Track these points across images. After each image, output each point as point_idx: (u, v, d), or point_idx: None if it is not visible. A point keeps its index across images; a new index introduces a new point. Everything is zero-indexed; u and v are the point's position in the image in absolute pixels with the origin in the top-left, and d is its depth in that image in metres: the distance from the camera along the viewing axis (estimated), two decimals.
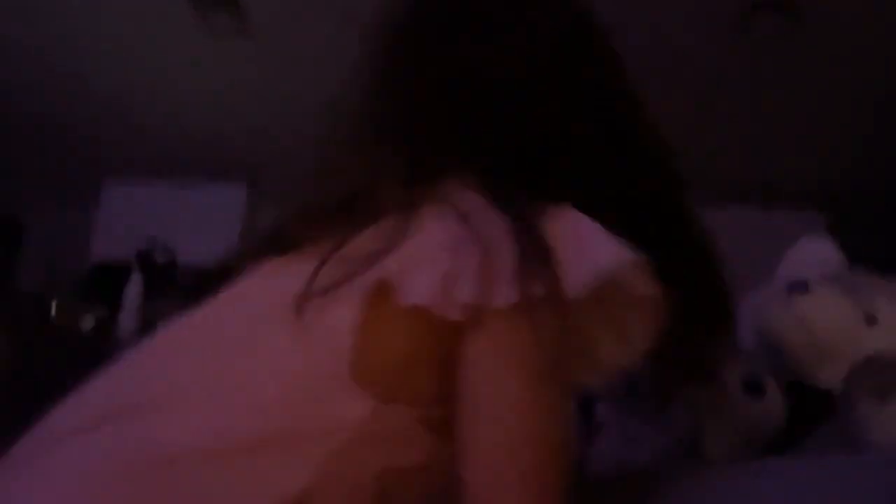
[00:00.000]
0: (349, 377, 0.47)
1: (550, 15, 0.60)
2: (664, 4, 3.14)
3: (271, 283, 0.54)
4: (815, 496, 0.62)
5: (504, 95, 0.54)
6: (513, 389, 0.47)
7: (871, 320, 1.06)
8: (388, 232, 0.49)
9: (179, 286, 3.21)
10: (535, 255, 0.47)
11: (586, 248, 0.48)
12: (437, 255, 0.48)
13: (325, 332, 0.48)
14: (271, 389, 0.47)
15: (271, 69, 3.73)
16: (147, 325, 2.66)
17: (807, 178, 4.60)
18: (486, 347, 0.47)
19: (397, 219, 0.50)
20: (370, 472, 0.46)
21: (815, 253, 1.30)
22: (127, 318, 2.85)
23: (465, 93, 0.54)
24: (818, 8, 3.06)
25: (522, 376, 0.47)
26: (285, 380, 0.48)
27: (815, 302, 1.07)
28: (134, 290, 2.93)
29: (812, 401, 1.04)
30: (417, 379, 0.49)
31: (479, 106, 0.54)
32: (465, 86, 0.54)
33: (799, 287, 1.09)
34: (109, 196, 5.00)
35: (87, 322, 2.97)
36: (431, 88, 0.55)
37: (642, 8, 3.17)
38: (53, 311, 3.70)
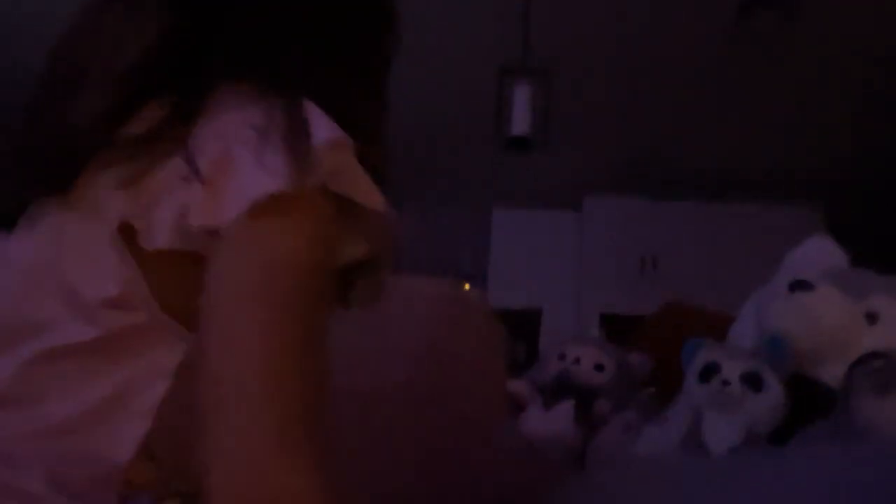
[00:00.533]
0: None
1: None
2: (661, 3, 3.14)
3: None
4: (814, 486, 0.63)
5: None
6: (254, 310, 0.47)
7: (872, 318, 1.07)
8: (133, 168, 0.51)
9: None
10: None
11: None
12: (173, 188, 0.50)
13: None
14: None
15: None
16: None
17: (804, 172, 4.60)
18: (223, 263, 0.48)
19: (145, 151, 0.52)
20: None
21: (819, 251, 1.30)
22: None
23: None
24: (813, 4, 3.06)
25: (263, 294, 0.48)
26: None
27: (817, 300, 1.08)
28: None
29: (813, 396, 1.04)
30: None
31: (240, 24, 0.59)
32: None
33: (802, 286, 1.09)
34: None
35: None
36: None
37: (639, 7, 3.17)
38: None
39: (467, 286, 5.92)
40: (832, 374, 0.99)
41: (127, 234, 0.51)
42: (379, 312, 1.16)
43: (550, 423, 1.54)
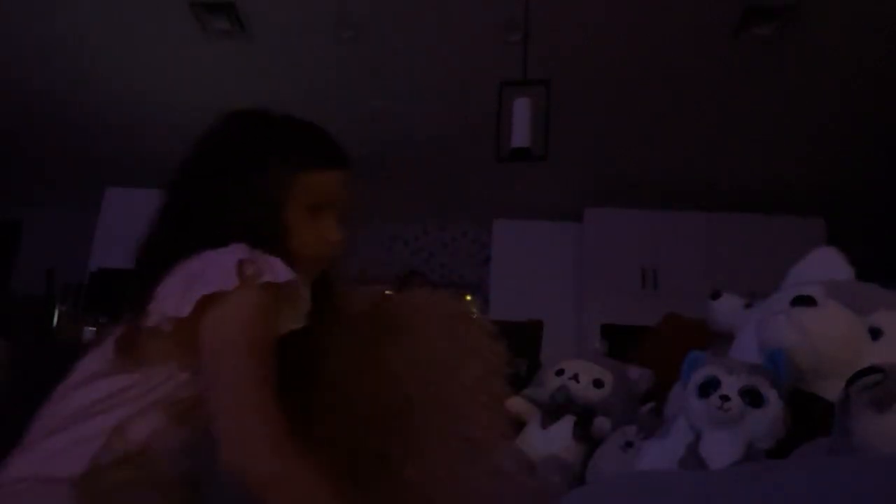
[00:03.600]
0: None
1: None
2: (661, 16, 3.15)
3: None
4: (813, 498, 0.62)
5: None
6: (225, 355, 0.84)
7: (876, 333, 1.06)
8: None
9: None
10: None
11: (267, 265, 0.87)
12: (166, 293, 0.87)
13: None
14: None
15: (272, 75, 3.75)
16: None
17: (806, 184, 4.61)
18: (203, 330, 0.84)
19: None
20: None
21: (823, 264, 1.29)
22: None
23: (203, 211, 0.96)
24: (811, 14, 3.06)
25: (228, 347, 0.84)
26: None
27: (820, 316, 1.07)
28: None
29: (813, 412, 1.03)
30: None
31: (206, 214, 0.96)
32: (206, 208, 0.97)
33: (804, 301, 1.08)
34: (110, 202, 5.04)
35: (89, 333, 2.97)
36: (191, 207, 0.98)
37: (639, 20, 3.17)
38: (55, 321, 3.70)
39: (468, 297, 5.93)
40: (835, 390, 0.97)
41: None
42: (379, 326, 1.16)
43: (549, 440, 1.52)
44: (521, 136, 2.60)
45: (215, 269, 0.82)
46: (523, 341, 3.33)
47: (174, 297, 0.83)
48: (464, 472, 1.07)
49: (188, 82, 3.90)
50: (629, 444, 1.40)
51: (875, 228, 4.87)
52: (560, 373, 1.70)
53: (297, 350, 0.93)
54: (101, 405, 0.85)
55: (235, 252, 0.84)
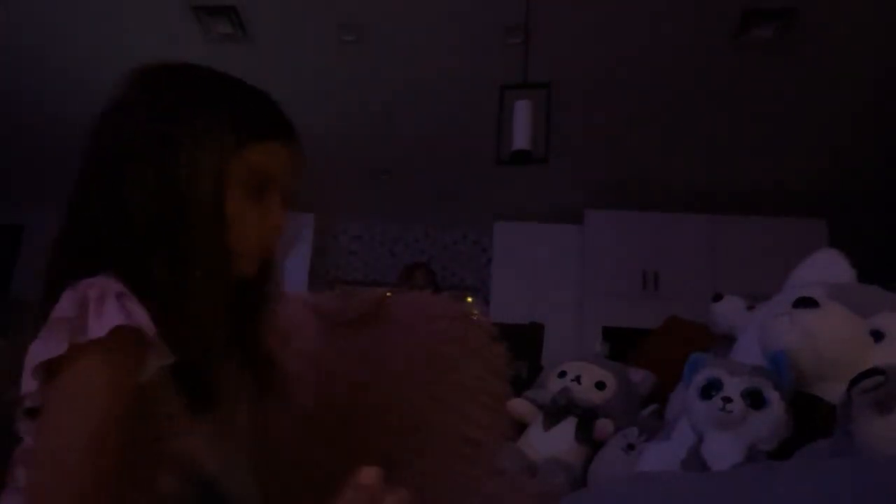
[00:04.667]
0: None
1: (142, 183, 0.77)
2: (661, 18, 3.15)
3: None
4: (815, 500, 0.62)
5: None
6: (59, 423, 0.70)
7: (878, 336, 1.06)
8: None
9: None
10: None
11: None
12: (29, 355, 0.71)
13: None
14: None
15: (271, 76, 3.75)
16: None
17: (807, 185, 4.60)
18: (50, 391, 0.70)
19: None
20: None
21: (825, 266, 1.29)
22: None
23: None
24: (812, 16, 3.06)
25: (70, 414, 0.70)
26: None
27: (822, 318, 1.07)
28: None
29: (816, 414, 1.03)
30: None
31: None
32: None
33: (806, 303, 1.08)
34: None
35: None
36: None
37: (639, 23, 3.18)
38: None
39: (470, 300, 5.91)
40: (837, 392, 0.97)
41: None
42: (381, 330, 1.16)
43: (551, 442, 1.52)
44: (521, 138, 2.60)
45: (50, 329, 0.70)
46: (524, 344, 3.33)
47: (26, 371, 0.71)
48: (464, 473, 1.07)
49: None
50: (631, 446, 1.40)
51: (877, 230, 4.86)
52: (562, 375, 1.70)
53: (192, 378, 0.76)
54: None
55: (62, 304, 0.71)
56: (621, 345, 3.20)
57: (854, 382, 0.79)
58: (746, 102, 3.79)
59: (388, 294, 1.22)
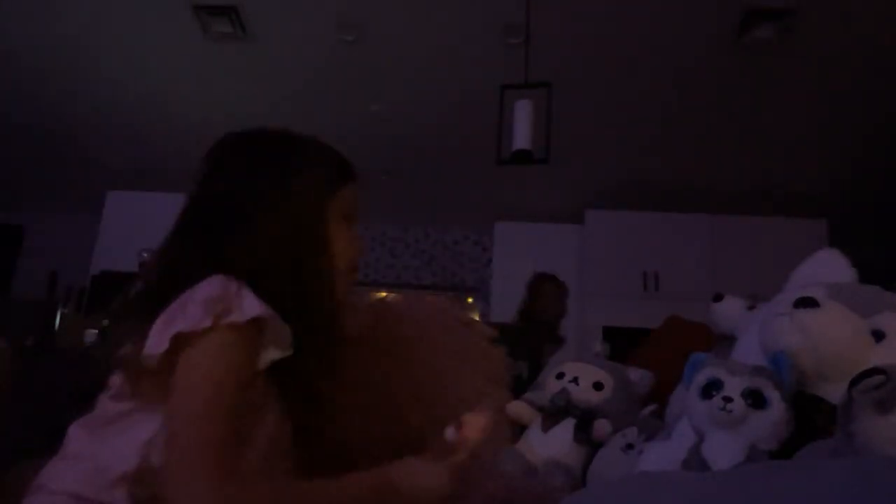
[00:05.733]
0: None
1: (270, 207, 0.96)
2: (662, 19, 3.15)
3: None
4: (815, 500, 0.62)
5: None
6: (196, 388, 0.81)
7: (878, 336, 1.05)
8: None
9: None
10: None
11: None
12: (154, 329, 0.84)
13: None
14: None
15: (271, 75, 3.75)
16: None
17: (808, 186, 4.60)
18: (182, 362, 0.82)
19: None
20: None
21: (826, 266, 1.29)
22: None
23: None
24: (812, 16, 3.06)
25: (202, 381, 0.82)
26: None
27: (823, 318, 1.06)
28: None
29: (817, 414, 1.03)
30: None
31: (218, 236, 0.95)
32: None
33: (806, 302, 1.08)
34: (112, 206, 5.04)
35: (90, 336, 2.97)
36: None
37: (640, 23, 3.18)
38: (57, 324, 3.71)
39: (469, 300, 5.89)
40: (838, 392, 0.97)
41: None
42: (381, 331, 1.16)
43: (550, 444, 1.52)
44: (522, 138, 2.60)
45: (191, 306, 0.82)
46: (525, 344, 3.33)
47: (157, 334, 0.82)
48: (464, 475, 1.07)
49: (190, 85, 3.90)
50: (630, 446, 1.40)
51: (877, 230, 4.86)
52: (560, 376, 1.70)
53: (300, 371, 0.92)
54: (126, 420, 0.87)
55: (211, 287, 0.84)
56: (621, 345, 3.20)
57: (855, 382, 0.79)
58: (746, 103, 3.78)
59: (385, 300, 1.23)
